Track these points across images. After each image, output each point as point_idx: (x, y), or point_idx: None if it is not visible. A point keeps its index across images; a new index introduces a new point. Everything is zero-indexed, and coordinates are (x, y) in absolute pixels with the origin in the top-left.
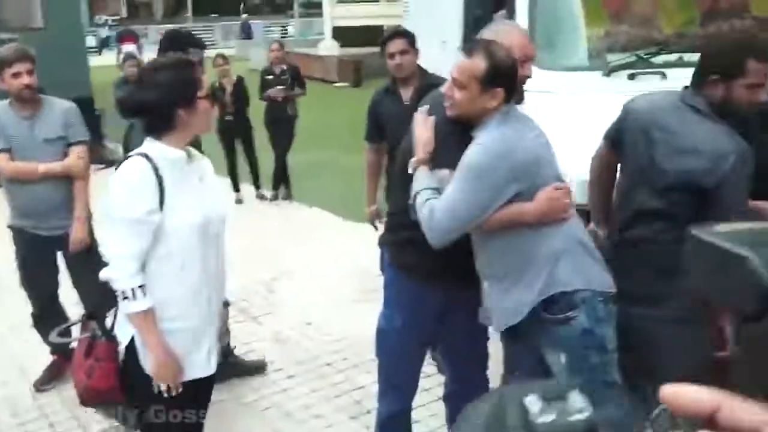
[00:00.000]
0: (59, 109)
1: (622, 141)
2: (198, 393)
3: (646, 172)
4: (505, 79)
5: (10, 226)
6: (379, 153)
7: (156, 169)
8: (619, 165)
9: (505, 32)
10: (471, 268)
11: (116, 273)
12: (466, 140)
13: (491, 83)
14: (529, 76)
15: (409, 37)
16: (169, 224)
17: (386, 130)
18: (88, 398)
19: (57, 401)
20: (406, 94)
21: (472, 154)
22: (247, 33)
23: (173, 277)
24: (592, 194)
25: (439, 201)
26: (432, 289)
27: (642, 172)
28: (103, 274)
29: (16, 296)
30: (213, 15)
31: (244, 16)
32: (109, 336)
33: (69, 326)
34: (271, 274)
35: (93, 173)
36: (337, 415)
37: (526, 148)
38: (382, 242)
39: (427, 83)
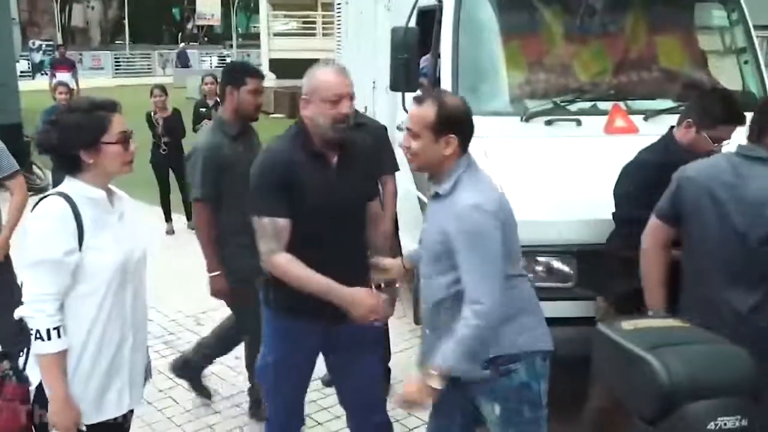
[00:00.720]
0: None
1: (683, 213)
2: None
3: (728, 238)
4: (456, 125)
5: None
6: None
7: (74, 208)
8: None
9: (322, 72)
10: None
11: (33, 312)
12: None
13: (443, 130)
14: (345, 114)
15: None
16: (88, 264)
17: None
18: None
19: None
20: None
21: (470, 219)
22: (184, 62)
23: (89, 317)
24: (649, 275)
25: (472, 291)
26: (310, 326)
27: (724, 240)
28: (19, 313)
29: None
30: (150, 44)
31: (182, 45)
32: (20, 376)
33: None
34: (201, 307)
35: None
36: None
37: (504, 200)
38: (259, 283)
39: (355, 122)
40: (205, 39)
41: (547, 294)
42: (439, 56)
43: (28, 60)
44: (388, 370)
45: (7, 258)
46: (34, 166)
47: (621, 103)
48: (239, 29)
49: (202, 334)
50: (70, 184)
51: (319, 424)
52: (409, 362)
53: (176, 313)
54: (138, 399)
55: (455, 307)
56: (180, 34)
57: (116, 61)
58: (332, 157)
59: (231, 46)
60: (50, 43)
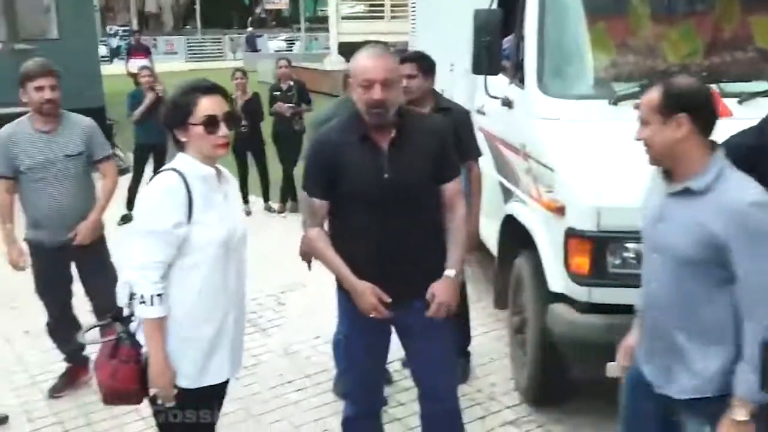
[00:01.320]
0: (79, 125)
1: None
2: (211, 397)
3: None
4: (686, 104)
5: (26, 240)
6: None
7: (186, 184)
8: None
9: (360, 55)
10: (410, 278)
11: (139, 278)
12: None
13: (670, 111)
14: (377, 100)
15: (420, 62)
16: (195, 238)
17: None
18: (110, 398)
19: (72, 407)
20: None
21: (754, 219)
22: (252, 46)
23: (195, 289)
24: None
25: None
26: None
27: None
28: (126, 277)
29: (30, 306)
30: (220, 28)
31: (250, 29)
32: (134, 339)
33: (96, 327)
34: (281, 287)
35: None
36: None
37: None
38: None
39: (439, 107)
40: (273, 23)
41: (639, 282)
42: (522, 38)
43: (106, 45)
44: (468, 355)
45: (102, 238)
46: (116, 149)
47: (714, 86)
48: (307, 13)
49: (283, 313)
50: (183, 161)
51: (401, 404)
52: (489, 347)
53: (257, 292)
54: (237, 369)
55: (718, 316)
56: (249, 18)
57: (189, 46)
58: (383, 141)
59: (299, 29)
60: (126, 28)
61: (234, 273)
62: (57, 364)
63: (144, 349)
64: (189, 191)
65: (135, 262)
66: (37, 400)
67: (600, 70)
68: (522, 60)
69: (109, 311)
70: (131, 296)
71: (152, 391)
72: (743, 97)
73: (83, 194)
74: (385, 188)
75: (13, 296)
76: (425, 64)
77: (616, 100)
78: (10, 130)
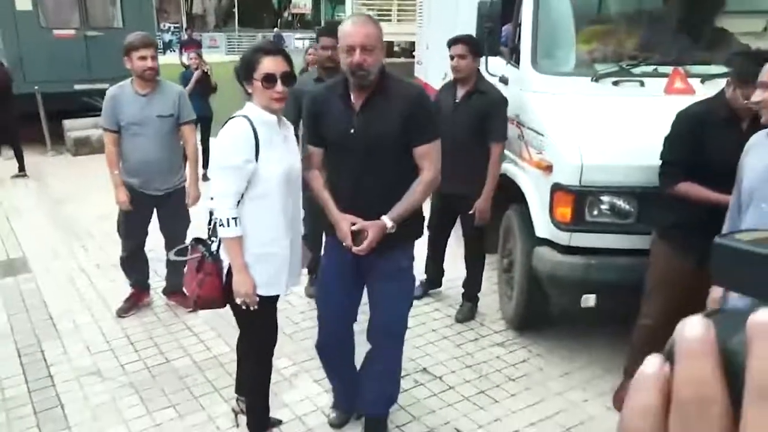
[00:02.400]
0: (172, 91)
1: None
2: (275, 302)
3: None
4: None
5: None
6: None
7: (253, 128)
8: None
9: (345, 22)
10: (374, 219)
11: (218, 205)
12: None
13: None
14: (357, 62)
15: (471, 45)
16: (261, 172)
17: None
18: (198, 304)
19: (137, 324)
20: (460, 92)
21: None
22: (280, 43)
23: (265, 213)
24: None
25: None
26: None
27: None
28: (209, 205)
29: (98, 241)
30: (254, 28)
31: (276, 29)
32: (215, 256)
33: (183, 248)
34: None
35: None
36: None
37: None
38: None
39: (477, 89)
40: (298, 25)
41: (612, 228)
42: (519, 25)
43: (159, 39)
44: (477, 300)
45: (183, 189)
46: None
47: (680, 68)
48: (326, 16)
49: None
50: (250, 109)
51: None
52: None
53: None
54: (295, 283)
55: None
56: (278, 20)
57: (228, 41)
58: (358, 100)
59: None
60: (177, 25)
61: (291, 202)
62: (122, 290)
63: (224, 264)
64: (256, 134)
65: (214, 192)
66: (107, 318)
67: (584, 53)
68: (518, 44)
69: (178, 243)
70: (211, 221)
71: (237, 298)
72: (705, 78)
73: (169, 150)
74: (352, 141)
75: (84, 236)
76: (474, 46)
77: (597, 78)
78: (115, 92)
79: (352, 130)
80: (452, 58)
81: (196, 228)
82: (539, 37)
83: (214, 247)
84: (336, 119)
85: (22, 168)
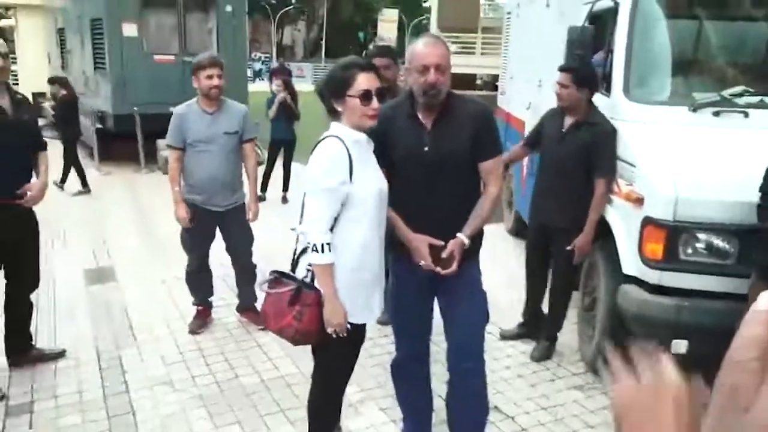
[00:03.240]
0: (237, 109)
1: None
2: (364, 331)
3: None
4: None
5: (184, 200)
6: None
7: (347, 148)
8: None
9: (416, 43)
10: (447, 238)
11: (311, 229)
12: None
13: None
14: (431, 83)
15: (574, 74)
16: (356, 193)
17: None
18: (300, 339)
19: (210, 339)
20: (567, 121)
21: None
22: None
23: (358, 237)
24: None
25: None
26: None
27: None
28: (301, 229)
29: (180, 255)
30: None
31: (280, 59)
32: (313, 286)
33: (266, 281)
34: None
35: None
36: None
37: None
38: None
39: (585, 120)
40: None
41: (708, 269)
42: (611, 52)
43: (250, 67)
44: (555, 340)
45: (243, 205)
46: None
47: None
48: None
49: None
50: (339, 128)
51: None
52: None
53: None
54: (384, 309)
55: None
56: (363, 52)
57: (314, 71)
58: (427, 119)
59: (403, 62)
60: (267, 55)
61: (384, 221)
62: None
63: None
64: (349, 154)
65: (308, 216)
66: (182, 330)
67: (681, 80)
68: (609, 71)
69: (245, 265)
70: (297, 248)
71: (328, 328)
72: None
73: (233, 167)
74: (425, 159)
75: (167, 250)
76: (579, 76)
77: (696, 107)
78: (183, 110)
79: (425, 148)
80: (558, 85)
81: (258, 248)
82: (633, 63)
83: (301, 274)
84: (406, 137)
85: (84, 183)
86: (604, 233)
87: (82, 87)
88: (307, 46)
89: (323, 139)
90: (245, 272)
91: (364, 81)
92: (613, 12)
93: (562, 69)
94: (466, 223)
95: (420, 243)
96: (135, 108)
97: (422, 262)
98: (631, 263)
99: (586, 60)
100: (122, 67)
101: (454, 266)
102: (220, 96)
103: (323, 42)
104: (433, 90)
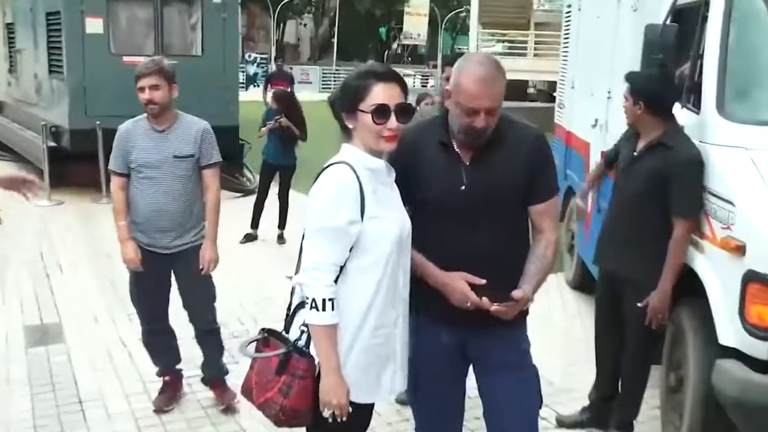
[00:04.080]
0: (194, 126)
1: None
2: (371, 412)
3: None
4: None
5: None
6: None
7: (358, 177)
8: None
9: (468, 74)
10: (489, 297)
11: (311, 280)
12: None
13: None
14: (479, 128)
15: (633, 83)
16: (369, 235)
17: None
18: (285, 420)
19: (180, 420)
20: (640, 144)
21: None
22: None
23: (370, 291)
24: None
25: None
26: (439, 327)
27: None
28: (297, 279)
29: None
30: (355, 61)
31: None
32: (306, 352)
33: (253, 340)
34: None
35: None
36: None
37: None
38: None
39: (660, 141)
40: (408, 59)
41: None
42: (701, 57)
43: (243, 71)
44: (631, 428)
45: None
46: (245, 168)
47: None
48: (442, 51)
49: None
50: (351, 152)
51: None
52: None
53: None
54: (403, 384)
55: None
56: (386, 52)
57: (323, 76)
58: (466, 150)
59: (435, 66)
60: (264, 56)
61: (403, 273)
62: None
63: (317, 362)
64: (361, 185)
65: (306, 263)
66: (145, 407)
67: None
68: (699, 81)
69: (204, 326)
70: (293, 302)
71: (325, 410)
72: None
73: (186, 199)
74: (462, 199)
75: (125, 300)
76: (636, 86)
77: None
78: (128, 127)
79: (462, 187)
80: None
81: (246, 301)
82: (730, 72)
83: (294, 335)
84: (437, 171)
85: None
86: (693, 290)
87: (32, 95)
88: (314, 45)
89: (329, 165)
90: (206, 335)
91: (380, 93)
92: (703, 5)
93: (625, 77)
94: (522, 278)
95: (455, 280)
96: (97, 122)
97: (467, 304)
98: (729, 331)
99: (667, 66)
100: (83, 71)
101: (512, 312)
102: (165, 111)
103: (335, 40)
104: (479, 133)
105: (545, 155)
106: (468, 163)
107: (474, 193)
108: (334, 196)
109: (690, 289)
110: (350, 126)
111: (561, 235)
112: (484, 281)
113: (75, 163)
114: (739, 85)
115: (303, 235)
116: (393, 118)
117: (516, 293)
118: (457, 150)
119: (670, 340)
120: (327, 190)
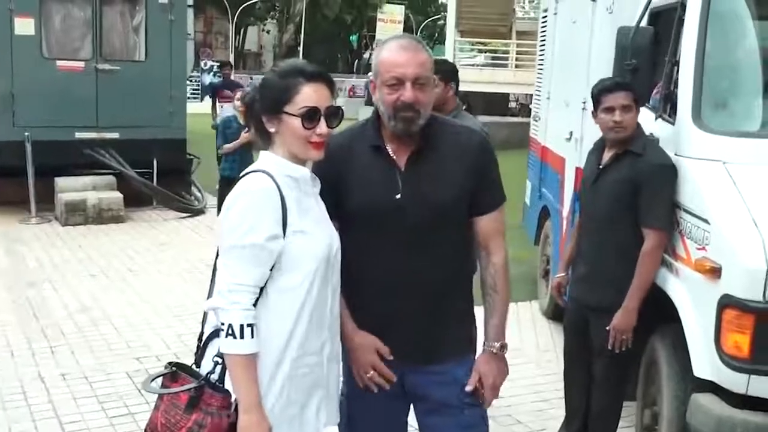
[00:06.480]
0: None
1: None
2: None
3: None
4: None
5: None
6: None
7: (278, 188)
8: None
9: (386, 47)
10: (425, 332)
11: (226, 304)
12: None
13: None
14: (406, 102)
15: (635, 92)
16: (292, 252)
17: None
18: None
19: None
20: (607, 154)
21: None
22: (370, 96)
23: (292, 315)
24: None
25: None
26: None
27: None
28: (210, 304)
29: (72, 342)
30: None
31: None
32: (220, 387)
33: (158, 376)
34: None
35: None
36: None
37: None
38: None
39: (629, 148)
40: None
41: None
42: (676, 63)
43: (197, 80)
44: None
45: None
46: (193, 186)
47: None
48: None
49: None
50: (271, 160)
51: None
52: None
53: None
54: (335, 418)
55: None
56: (357, 61)
57: None
58: (401, 153)
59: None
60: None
61: (331, 295)
62: (91, 412)
63: (233, 397)
64: (282, 196)
65: (221, 285)
66: None
67: None
68: (674, 89)
69: None
70: (204, 331)
71: None
72: None
73: None
74: (397, 211)
75: (54, 334)
76: (593, 93)
77: None
78: None
79: (397, 195)
80: (609, 111)
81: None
82: (707, 79)
83: (207, 368)
84: (370, 178)
85: None
86: (666, 317)
87: None
88: (278, 54)
89: (245, 174)
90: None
91: (310, 94)
92: (679, 6)
93: (618, 86)
94: (488, 326)
95: (365, 353)
96: (26, 133)
97: (369, 374)
98: (705, 362)
99: (642, 73)
100: (11, 76)
101: (489, 396)
102: None
103: (300, 48)
104: (411, 112)
105: (490, 159)
106: (403, 169)
107: (410, 203)
108: (251, 207)
109: (665, 317)
110: (272, 130)
111: (508, 252)
112: (391, 357)
113: (0, 180)
114: (717, 93)
115: (216, 254)
116: (323, 122)
117: (472, 378)
118: (391, 155)
119: (645, 375)
120: (242, 201)
